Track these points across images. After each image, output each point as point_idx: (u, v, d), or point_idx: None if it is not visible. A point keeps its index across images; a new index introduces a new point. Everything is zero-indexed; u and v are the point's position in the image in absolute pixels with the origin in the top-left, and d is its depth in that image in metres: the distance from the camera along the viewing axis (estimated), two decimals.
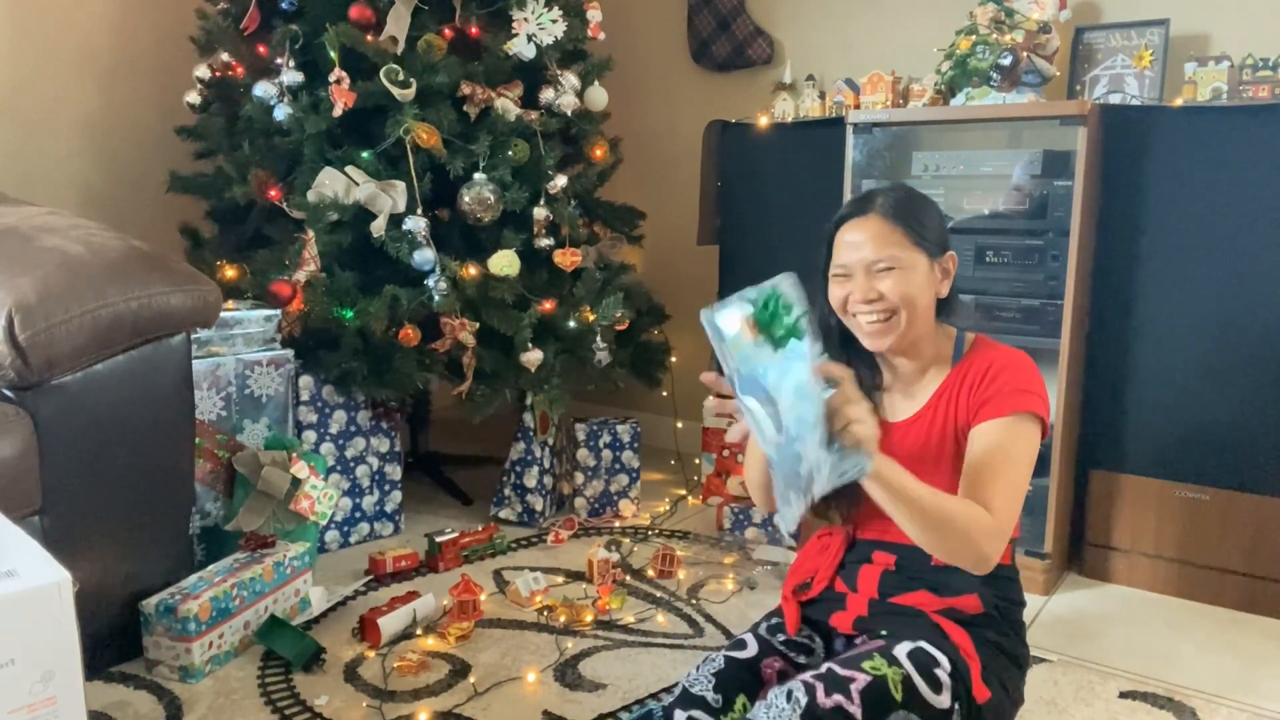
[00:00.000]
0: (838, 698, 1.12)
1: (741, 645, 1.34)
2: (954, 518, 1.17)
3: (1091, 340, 2.29)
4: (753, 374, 1.10)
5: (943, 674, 1.19)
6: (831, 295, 1.34)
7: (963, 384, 1.31)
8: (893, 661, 1.18)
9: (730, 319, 1.11)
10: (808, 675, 1.16)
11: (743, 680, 1.28)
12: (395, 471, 2.54)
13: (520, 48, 2.48)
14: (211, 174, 2.64)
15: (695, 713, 1.24)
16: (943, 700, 1.18)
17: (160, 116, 2.83)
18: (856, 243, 1.30)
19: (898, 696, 1.15)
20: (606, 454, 2.70)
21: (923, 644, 1.22)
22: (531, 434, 2.60)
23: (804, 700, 1.11)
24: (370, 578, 2.25)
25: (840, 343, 1.37)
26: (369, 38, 2.34)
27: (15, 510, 1.58)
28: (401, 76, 2.31)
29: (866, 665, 1.17)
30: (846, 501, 1.37)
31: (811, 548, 1.45)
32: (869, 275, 1.29)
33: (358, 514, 2.49)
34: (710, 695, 1.25)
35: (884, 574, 1.34)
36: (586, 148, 2.74)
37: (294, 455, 2.15)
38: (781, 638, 1.36)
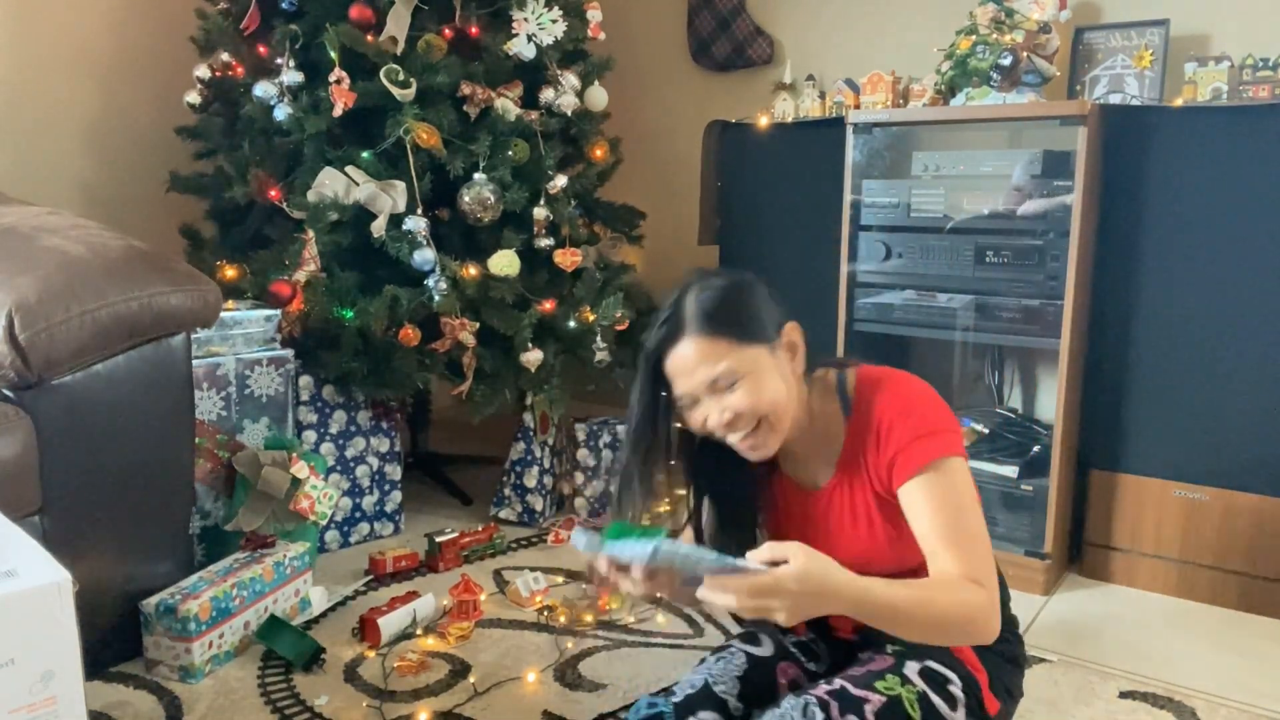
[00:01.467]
0: (852, 718, 1.11)
1: (755, 640, 1.33)
2: (945, 607, 1.08)
3: (1091, 340, 2.29)
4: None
5: (956, 690, 1.19)
6: (690, 423, 1.24)
7: (864, 448, 1.23)
8: (906, 681, 1.17)
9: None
10: (821, 690, 1.14)
11: (762, 688, 1.25)
12: (395, 471, 2.54)
13: (520, 48, 2.48)
14: (211, 174, 2.64)
15: (711, 714, 1.21)
16: (959, 716, 1.17)
17: (160, 116, 2.83)
18: (686, 370, 1.19)
19: (915, 715, 1.14)
20: (606, 454, 2.70)
21: (930, 663, 1.21)
22: (531, 434, 2.60)
23: (820, 716, 1.10)
24: (370, 578, 2.25)
25: (717, 451, 1.27)
26: (369, 38, 2.34)
27: (15, 510, 1.58)
28: (401, 76, 2.31)
29: (880, 686, 1.16)
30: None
31: None
32: (716, 395, 1.19)
33: (358, 514, 2.49)
34: (733, 702, 1.23)
35: None
36: (586, 148, 2.74)
37: (294, 455, 2.15)
38: (791, 638, 1.36)
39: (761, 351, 1.20)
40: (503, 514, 2.65)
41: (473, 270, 2.38)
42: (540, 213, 2.48)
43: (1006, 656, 1.30)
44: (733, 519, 1.33)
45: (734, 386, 1.18)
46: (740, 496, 1.33)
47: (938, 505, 1.15)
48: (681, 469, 1.34)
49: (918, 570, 1.21)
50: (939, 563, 1.14)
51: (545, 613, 2.08)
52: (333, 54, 2.29)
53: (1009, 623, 1.34)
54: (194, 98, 2.64)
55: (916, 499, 1.17)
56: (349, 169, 2.33)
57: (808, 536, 1.24)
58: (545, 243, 2.51)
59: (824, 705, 1.12)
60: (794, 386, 1.24)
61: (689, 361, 1.19)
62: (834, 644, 1.38)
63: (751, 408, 1.19)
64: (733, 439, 1.22)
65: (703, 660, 1.33)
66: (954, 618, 1.09)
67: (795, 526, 1.32)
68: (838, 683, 1.17)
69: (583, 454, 2.69)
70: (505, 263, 2.40)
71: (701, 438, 1.26)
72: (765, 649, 1.31)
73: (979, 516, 1.17)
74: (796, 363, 1.24)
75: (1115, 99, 2.32)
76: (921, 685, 1.17)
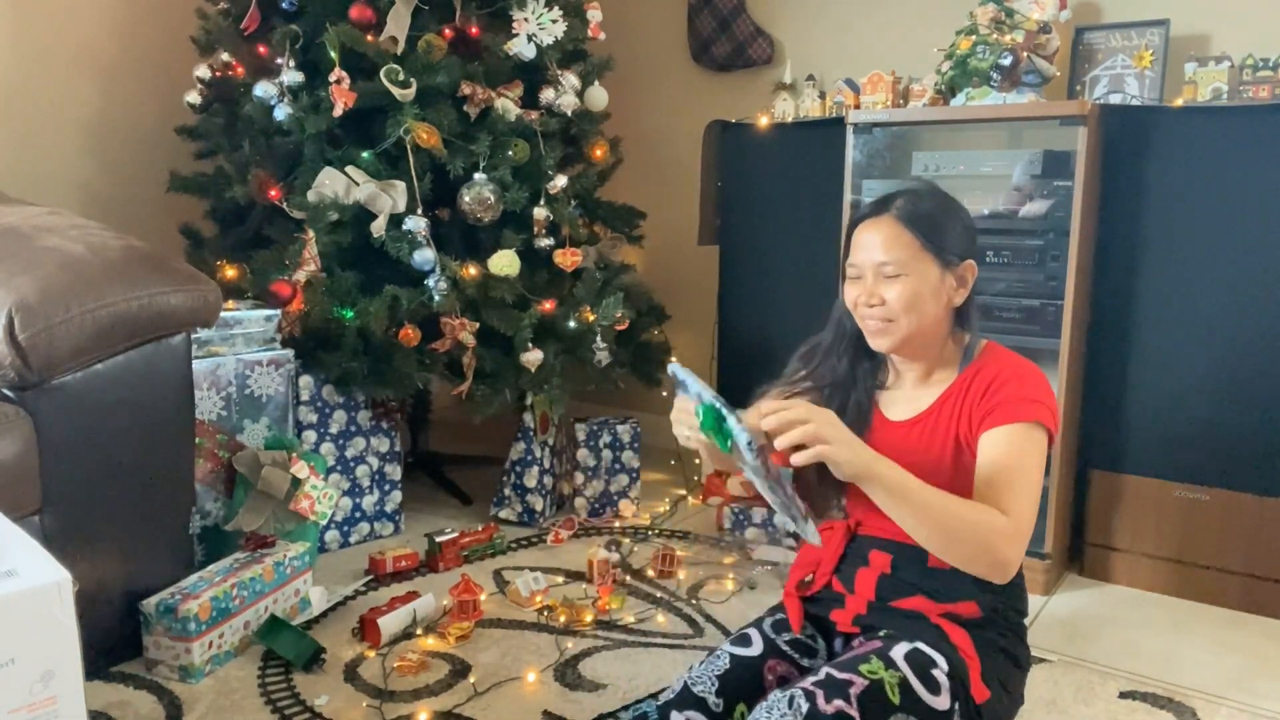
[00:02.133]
0: (838, 703, 1.11)
1: (746, 641, 1.34)
2: (967, 521, 1.16)
3: (1091, 340, 2.29)
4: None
5: (940, 675, 1.19)
6: (845, 292, 1.34)
7: (967, 392, 1.30)
8: (890, 664, 1.18)
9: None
10: (808, 682, 1.16)
11: (745, 684, 1.27)
12: (395, 471, 2.54)
13: (520, 48, 2.48)
14: (211, 174, 2.64)
15: (693, 714, 1.23)
16: (941, 701, 1.18)
17: (160, 116, 2.83)
18: (868, 244, 1.29)
19: (895, 700, 1.15)
20: (606, 454, 2.70)
21: (919, 645, 1.22)
22: (531, 434, 2.60)
23: (805, 707, 1.11)
24: (370, 578, 2.25)
25: (853, 339, 1.38)
26: (369, 38, 2.34)
27: (15, 510, 1.58)
28: (401, 76, 2.31)
29: (863, 669, 1.17)
30: (838, 494, 1.38)
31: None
32: (877, 278, 1.29)
33: (358, 514, 2.49)
34: (712, 699, 1.24)
35: (880, 578, 1.33)
36: (586, 148, 2.75)
37: (294, 455, 2.15)
38: (786, 636, 1.36)
39: (935, 266, 1.28)
40: (503, 514, 2.65)
41: (473, 270, 2.38)
42: (540, 213, 2.48)
43: (1007, 652, 1.30)
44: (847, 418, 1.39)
45: (895, 279, 1.27)
46: (861, 399, 1.39)
47: (1008, 456, 1.23)
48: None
49: None
50: (981, 496, 1.21)
51: (545, 613, 2.08)
52: (333, 54, 2.29)
53: (1016, 627, 1.34)
54: (194, 98, 2.65)
55: (993, 444, 1.24)
56: (349, 169, 2.33)
57: None
58: (545, 243, 2.51)
59: (810, 695, 1.13)
60: (942, 316, 1.31)
61: (873, 237, 1.29)
62: (833, 640, 1.39)
63: (900, 307, 1.27)
64: (867, 318, 1.31)
65: (691, 666, 1.34)
66: (970, 532, 1.15)
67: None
68: (823, 672, 1.18)
69: (583, 454, 2.69)
70: (505, 263, 2.40)
71: (852, 338, 1.38)
72: (754, 649, 1.32)
73: (1037, 480, 1.23)
74: (957, 295, 1.31)
75: (1115, 99, 2.32)
76: (905, 670, 1.18)
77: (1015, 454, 1.23)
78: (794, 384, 1.44)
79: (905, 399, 1.37)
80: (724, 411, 1.11)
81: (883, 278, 1.28)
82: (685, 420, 1.20)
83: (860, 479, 1.15)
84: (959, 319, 1.34)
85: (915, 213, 1.29)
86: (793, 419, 1.13)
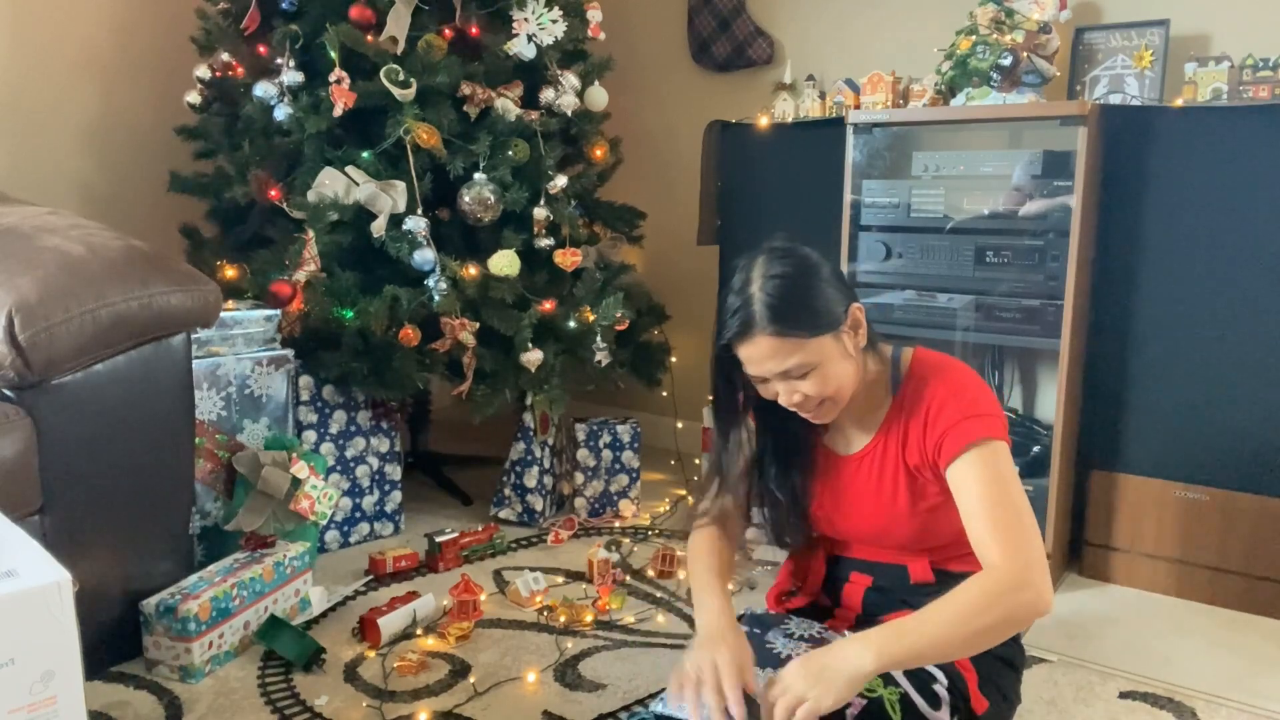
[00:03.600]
0: None
1: None
2: (981, 610, 1.10)
3: (1091, 340, 2.29)
4: None
5: (940, 689, 1.19)
6: (760, 392, 1.28)
7: (911, 418, 1.27)
8: (889, 680, 1.17)
9: None
10: None
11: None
12: (395, 471, 2.54)
13: (520, 48, 2.48)
14: (211, 174, 2.64)
15: None
16: (942, 716, 1.18)
17: (160, 116, 2.83)
18: (757, 359, 1.22)
19: (896, 716, 1.14)
20: (606, 454, 2.70)
21: None
22: (531, 434, 2.60)
23: None
24: (370, 578, 2.25)
25: (779, 416, 1.33)
26: (369, 38, 2.34)
27: (15, 510, 1.58)
28: (402, 76, 2.31)
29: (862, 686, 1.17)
30: (809, 530, 1.38)
31: (791, 562, 1.46)
32: (786, 382, 1.23)
33: (358, 514, 2.49)
34: None
35: (866, 592, 1.33)
36: (586, 148, 2.74)
37: (294, 455, 2.15)
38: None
39: (830, 340, 1.23)
40: (503, 514, 2.65)
41: (473, 270, 2.38)
42: (540, 213, 2.48)
43: (1002, 658, 1.29)
44: (786, 478, 1.37)
45: (805, 376, 1.22)
46: (796, 458, 1.37)
47: (984, 483, 1.19)
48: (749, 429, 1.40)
49: (934, 550, 1.24)
50: (983, 552, 1.16)
51: (545, 613, 2.08)
52: (333, 54, 2.29)
53: None
54: (194, 98, 2.64)
55: (964, 476, 1.20)
56: (349, 169, 2.33)
57: (831, 501, 1.32)
58: (545, 243, 2.51)
59: None
60: (857, 362, 1.28)
61: (760, 355, 1.22)
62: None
63: (819, 394, 1.23)
64: (797, 410, 1.27)
65: None
66: (990, 611, 1.10)
67: (823, 490, 1.35)
68: None
69: (583, 454, 2.69)
70: (505, 263, 2.40)
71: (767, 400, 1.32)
72: None
73: (1021, 492, 1.20)
74: (859, 339, 1.27)
75: (1115, 99, 2.32)
76: (905, 685, 1.18)
77: (987, 485, 1.18)
78: (742, 470, 1.41)
79: (849, 434, 1.35)
80: None
81: (790, 380, 1.23)
82: None
83: (876, 673, 1.09)
84: (868, 345, 1.31)
85: (781, 313, 1.19)
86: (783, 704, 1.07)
